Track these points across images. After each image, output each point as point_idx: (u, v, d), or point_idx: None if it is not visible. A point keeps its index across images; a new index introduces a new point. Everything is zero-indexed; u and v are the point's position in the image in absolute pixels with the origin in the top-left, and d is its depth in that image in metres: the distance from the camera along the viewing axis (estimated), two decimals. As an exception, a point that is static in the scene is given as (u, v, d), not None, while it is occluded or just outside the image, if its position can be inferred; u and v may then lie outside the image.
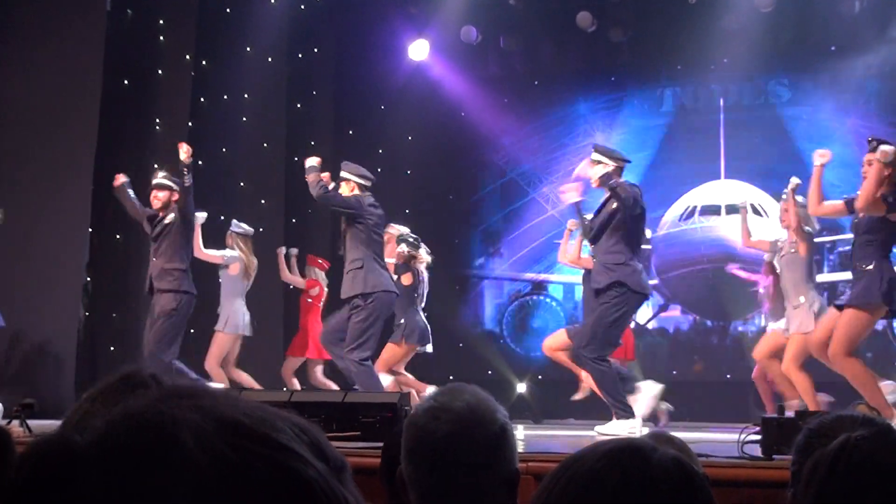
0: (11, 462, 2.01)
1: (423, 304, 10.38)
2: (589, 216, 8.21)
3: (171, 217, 8.81)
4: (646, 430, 7.45)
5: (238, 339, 10.18)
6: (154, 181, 8.85)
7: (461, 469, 1.98)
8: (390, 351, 9.88)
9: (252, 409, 0.83)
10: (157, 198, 8.81)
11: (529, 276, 15.13)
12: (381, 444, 3.50)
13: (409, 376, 10.33)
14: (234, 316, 10.11)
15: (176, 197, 8.86)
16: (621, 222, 7.76)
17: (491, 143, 15.14)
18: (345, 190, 8.73)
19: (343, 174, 8.73)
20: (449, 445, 1.98)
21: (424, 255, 10.40)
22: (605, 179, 7.81)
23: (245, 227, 10.41)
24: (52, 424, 6.82)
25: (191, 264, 9.09)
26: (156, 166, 11.11)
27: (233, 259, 10.15)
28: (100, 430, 0.81)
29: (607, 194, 7.84)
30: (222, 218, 10.97)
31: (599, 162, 7.90)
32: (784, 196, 8.94)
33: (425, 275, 10.42)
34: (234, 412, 0.82)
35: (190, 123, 11.60)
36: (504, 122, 15.06)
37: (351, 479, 0.87)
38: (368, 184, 8.78)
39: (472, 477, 1.99)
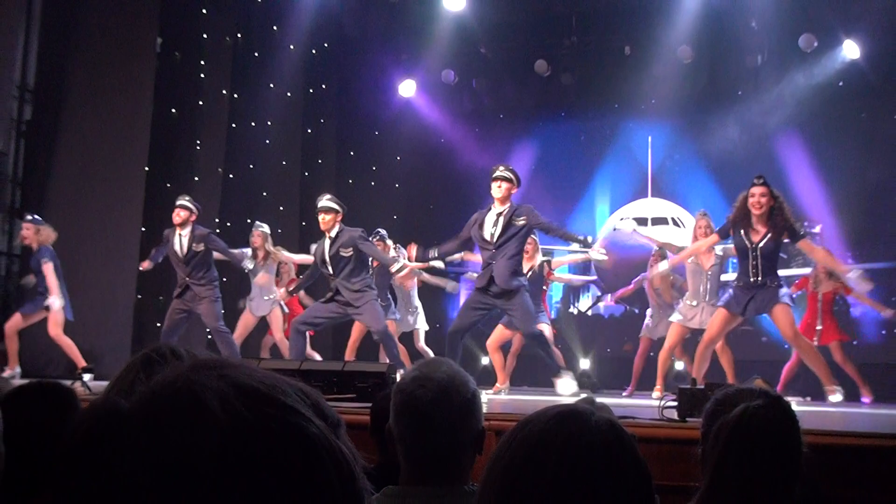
0: (76, 415, 2.00)
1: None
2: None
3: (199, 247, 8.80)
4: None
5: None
6: (179, 202, 8.83)
7: (440, 427, 1.99)
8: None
9: (265, 377, 0.84)
10: (179, 215, 8.77)
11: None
12: (370, 405, 3.49)
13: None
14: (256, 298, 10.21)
15: (194, 217, 8.81)
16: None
17: (465, 164, 15.13)
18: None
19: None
20: (431, 408, 1.99)
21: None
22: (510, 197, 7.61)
23: (265, 227, 10.38)
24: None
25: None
26: (196, 179, 11.09)
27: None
28: (142, 395, 0.81)
29: (517, 213, 7.55)
30: (248, 220, 10.94)
31: (509, 180, 7.58)
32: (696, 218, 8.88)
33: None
34: (250, 380, 0.82)
35: (227, 145, 11.58)
36: (475, 148, 15.07)
37: (345, 434, 0.87)
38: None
39: (449, 434, 2.00)
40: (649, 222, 14.21)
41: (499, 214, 7.60)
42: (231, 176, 11.76)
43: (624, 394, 9.77)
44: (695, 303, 8.73)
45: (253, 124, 12.31)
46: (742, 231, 7.02)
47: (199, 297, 8.64)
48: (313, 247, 8.89)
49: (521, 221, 7.56)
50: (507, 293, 7.55)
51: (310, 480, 0.79)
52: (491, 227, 7.61)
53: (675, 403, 4.52)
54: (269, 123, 12.57)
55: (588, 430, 1.23)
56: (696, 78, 13.38)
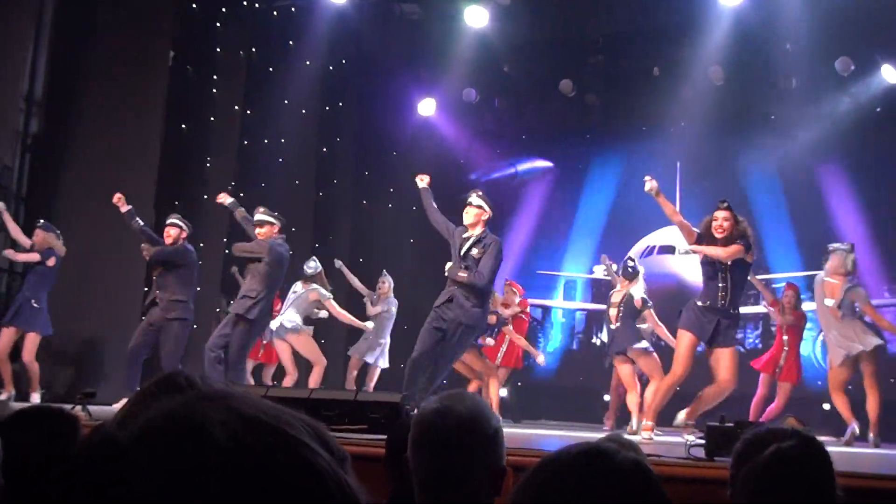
0: (78, 442, 2.01)
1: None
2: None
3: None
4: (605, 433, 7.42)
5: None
6: (169, 220, 8.90)
7: (460, 462, 1.98)
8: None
9: (270, 408, 0.84)
10: (169, 234, 8.84)
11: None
12: (384, 437, 3.48)
13: None
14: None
15: (185, 235, 8.88)
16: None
17: (485, 186, 15.16)
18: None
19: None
20: (451, 441, 1.99)
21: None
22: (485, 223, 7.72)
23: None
24: (112, 410, 6.82)
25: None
26: (205, 197, 11.14)
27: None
28: (143, 425, 0.82)
29: (482, 242, 7.65)
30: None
31: (481, 207, 7.74)
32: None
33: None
34: (255, 411, 0.83)
35: (239, 163, 11.66)
36: (495, 170, 15.11)
37: (350, 469, 0.88)
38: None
39: (469, 469, 2.00)
40: (677, 251, 14.17)
41: (465, 239, 7.76)
42: (242, 195, 11.78)
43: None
44: None
45: (266, 142, 12.38)
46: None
47: (166, 319, 8.68)
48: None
49: (476, 251, 7.61)
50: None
51: None
52: (460, 248, 7.79)
53: (702, 441, 4.49)
54: (282, 141, 12.63)
55: (613, 469, 1.23)
56: (728, 101, 13.37)
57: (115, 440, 0.83)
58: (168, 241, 8.81)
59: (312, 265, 10.45)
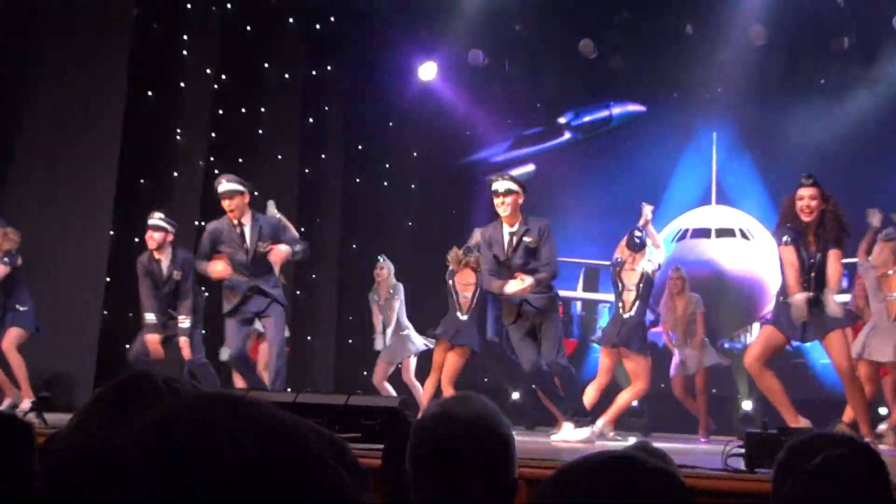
0: (33, 453, 2.01)
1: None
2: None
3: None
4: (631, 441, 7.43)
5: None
6: (150, 221, 8.86)
7: (465, 474, 1.98)
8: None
9: (285, 417, 0.84)
10: (153, 238, 8.82)
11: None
12: (380, 446, 3.49)
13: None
14: None
15: (171, 238, 8.87)
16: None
17: (494, 162, 15.14)
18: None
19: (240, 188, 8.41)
20: (455, 451, 1.98)
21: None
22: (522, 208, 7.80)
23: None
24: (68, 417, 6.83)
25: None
26: (175, 174, 11.13)
27: None
28: (142, 430, 0.81)
29: (531, 226, 7.75)
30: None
31: (514, 192, 7.73)
32: None
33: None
34: (268, 420, 0.82)
35: (213, 134, 11.65)
36: (507, 142, 15.08)
37: (370, 488, 0.87)
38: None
39: (475, 482, 1.99)
40: (713, 234, 14.17)
41: (511, 234, 7.77)
42: (216, 171, 11.77)
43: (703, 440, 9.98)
44: None
45: (243, 111, 12.37)
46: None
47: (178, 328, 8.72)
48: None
49: (530, 240, 7.70)
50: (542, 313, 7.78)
51: None
52: (508, 247, 7.78)
53: (741, 451, 4.49)
54: (262, 110, 12.62)
55: (639, 481, 1.23)
56: (771, 64, 13.34)
57: (113, 447, 0.82)
58: (151, 245, 8.83)
59: None
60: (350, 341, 13.19)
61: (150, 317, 8.75)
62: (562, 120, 15.19)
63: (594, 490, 1.22)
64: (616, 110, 15.19)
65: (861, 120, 13.38)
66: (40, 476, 0.85)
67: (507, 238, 7.78)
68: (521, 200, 7.75)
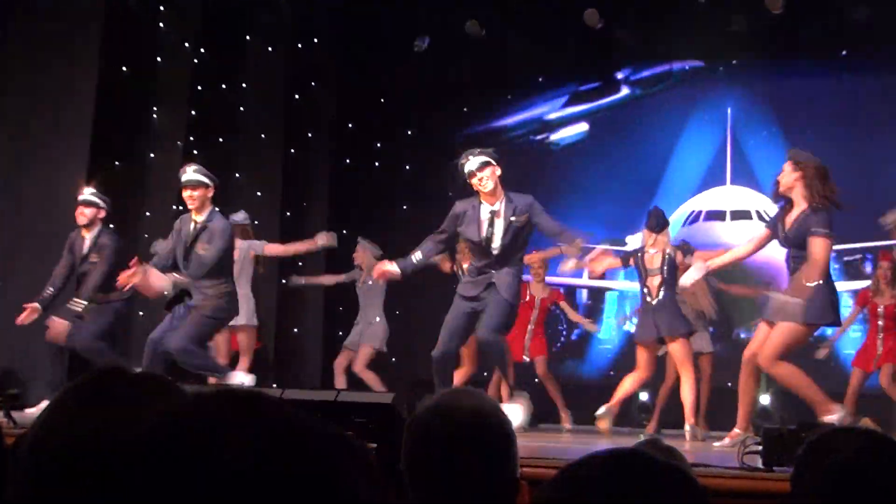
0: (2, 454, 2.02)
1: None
2: None
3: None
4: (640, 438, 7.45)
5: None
6: (80, 196, 8.91)
7: (463, 474, 1.98)
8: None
9: (311, 423, 0.82)
10: (84, 214, 8.88)
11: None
12: (373, 445, 3.50)
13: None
14: None
15: (102, 214, 8.92)
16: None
17: (492, 140, 15.10)
18: None
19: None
20: (453, 449, 1.99)
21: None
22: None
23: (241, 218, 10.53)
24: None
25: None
26: (151, 155, 11.11)
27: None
28: (155, 428, 0.80)
29: (517, 203, 7.88)
30: (216, 209, 10.96)
31: (490, 163, 7.87)
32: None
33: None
34: (291, 425, 0.81)
35: (191, 113, 11.62)
36: (508, 120, 15.05)
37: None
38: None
39: (474, 483, 2.00)
40: (728, 216, 14.15)
41: (492, 213, 7.76)
42: (195, 152, 11.79)
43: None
44: None
45: (224, 87, 12.34)
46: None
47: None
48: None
49: (516, 219, 7.81)
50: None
51: None
52: (486, 227, 7.78)
53: (758, 448, 4.51)
54: (244, 86, 12.60)
55: (649, 481, 1.23)
56: (789, 33, 13.31)
57: (81, 437, 0.82)
58: (80, 221, 8.87)
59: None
60: (340, 333, 13.19)
61: (47, 290, 8.87)
62: (619, 75, 15.16)
63: (600, 490, 1.23)
64: (677, 65, 15.14)
65: (888, 94, 13.36)
66: (9, 478, 0.85)
67: (486, 217, 7.77)
68: (498, 172, 7.76)
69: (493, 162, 7.77)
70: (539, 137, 15.30)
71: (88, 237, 9.04)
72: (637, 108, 15.19)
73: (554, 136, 15.24)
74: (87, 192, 8.98)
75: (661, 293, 9.09)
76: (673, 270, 9.14)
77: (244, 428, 0.79)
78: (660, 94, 14.98)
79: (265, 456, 0.77)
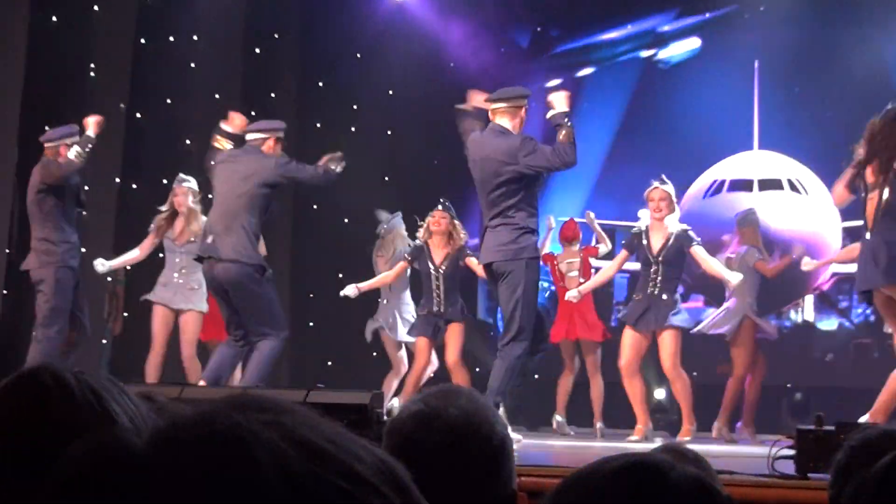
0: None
1: None
2: None
3: None
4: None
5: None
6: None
7: (451, 486, 1.97)
8: None
9: (334, 434, 0.84)
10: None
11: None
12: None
13: None
14: None
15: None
16: None
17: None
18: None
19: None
20: (439, 459, 1.98)
21: None
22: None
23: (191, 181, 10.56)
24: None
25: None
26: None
27: None
28: (163, 434, 0.80)
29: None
30: (164, 181, 10.96)
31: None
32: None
33: None
34: (314, 436, 0.82)
35: (134, 70, 11.58)
36: (502, 76, 15.02)
37: None
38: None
39: (464, 496, 1.99)
40: (755, 186, 14.17)
41: None
42: (139, 115, 11.76)
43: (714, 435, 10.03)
44: None
45: (172, 39, 12.30)
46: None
47: None
48: None
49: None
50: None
51: None
52: None
53: (791, 452, 4.53)
54: (195, 39, 12.55)
55: (666, 491, 1.23)
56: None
57: (128, 449, 0.82)
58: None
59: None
60: (311, 324, 13.19)
61: None
62: (661, 28, 15.22)
63: (609, 501, 1.23)
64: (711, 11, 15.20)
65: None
66: None
67: None
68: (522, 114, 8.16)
69: (516, 102, 8.15)
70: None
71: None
72: (646, 67, 15.21)
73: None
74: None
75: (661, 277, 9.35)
76: (679, 252, 9.47)
77: (265, 435, 0.81)
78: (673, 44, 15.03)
79: (292, 467, 0.80)
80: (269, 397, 0.86)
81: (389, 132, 14.75)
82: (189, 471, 0.78)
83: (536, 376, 13.10)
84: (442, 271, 10.29)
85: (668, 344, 9.27)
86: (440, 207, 10.39)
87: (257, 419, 0.81)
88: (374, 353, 12.25)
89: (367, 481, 0.81)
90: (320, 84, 14.16)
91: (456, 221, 10.41)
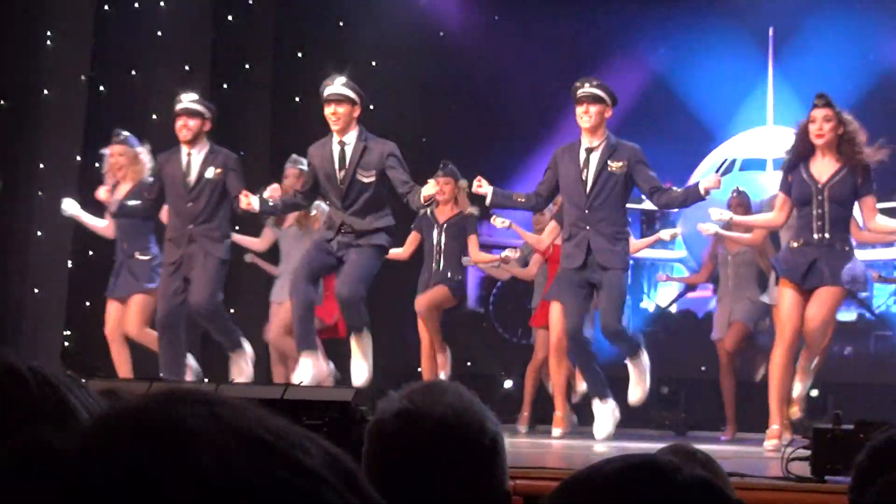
0: None
1: None
2: None
3: None
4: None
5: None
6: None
7: (439, 489, 1.98)
8: None
9: (276, 425, 0.84)
10: (188, 127, 9.66)
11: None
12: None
13: None
14: None
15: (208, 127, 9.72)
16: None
17: (481, 74, 15.06)
18: None
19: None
20: (426, 461, 1.98)
21: None
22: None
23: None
24: None
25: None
26: (45, 92, 11.05)
27: None
28: (91, 431, 0.81)
29: (615, 153, 8.20)
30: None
31: (602, 100, 8.22)
32: None
33: None
34: (255, 427, 0.82)
35: (96, 39, 11.55)
36: (498, 47, 15.01)
37: None
38: None
39: (454, 499, 2.00)
40: (769, 165, 14.19)
41: (588, 151, 8.14)
42: (102, 88, 11.73)
43: (722, 437, 10.08)
44: None
45: (136, 6, 12.27)
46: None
47: None
48: None
49: (617, 165, 8.11)
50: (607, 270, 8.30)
51: None
52: (583, 169, 8.29)
53: (807, 452, 4.54)
54: (161, 5, 12.52)
55: (671, 492, 1.23)
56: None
57: (52, 451, 0.82)
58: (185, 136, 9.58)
59: None
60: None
61: None
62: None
63: (610, 504, 1.23)
64: None
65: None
66: None
67: (583, 160, 8.28)
68: (608, 114, 8.40)
69: (600, 97, 8.30)
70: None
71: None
72: (656, 29, 15.20)
73: None
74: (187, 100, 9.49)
75: None
76: None
77: (205, 427, 0.81)
78: (685, 15, 15.02)
79: (232, 460, 0.80)
80: (204, 390, 0.87)
81: (373, 107, 14.72)
82: (122, 471, 0.78)
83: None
84: (445, 227, 10.33)
85: None
86: (441, 173, 10.32)
87: (193, 413, 0.81)
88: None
89: (314, 473, 0.81)
90: (298, 55, 14.13)
91: (461, 182, 10.41)
